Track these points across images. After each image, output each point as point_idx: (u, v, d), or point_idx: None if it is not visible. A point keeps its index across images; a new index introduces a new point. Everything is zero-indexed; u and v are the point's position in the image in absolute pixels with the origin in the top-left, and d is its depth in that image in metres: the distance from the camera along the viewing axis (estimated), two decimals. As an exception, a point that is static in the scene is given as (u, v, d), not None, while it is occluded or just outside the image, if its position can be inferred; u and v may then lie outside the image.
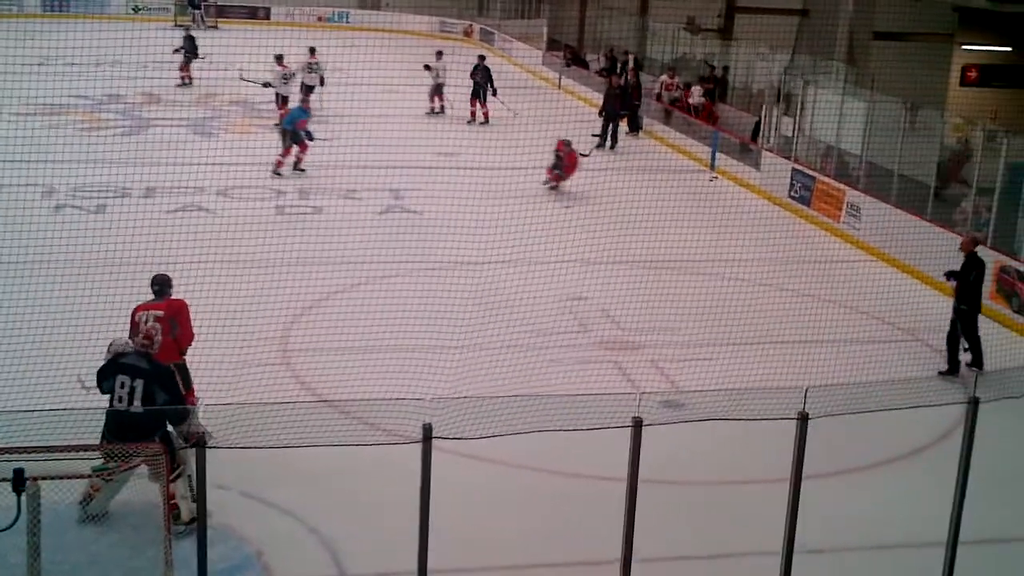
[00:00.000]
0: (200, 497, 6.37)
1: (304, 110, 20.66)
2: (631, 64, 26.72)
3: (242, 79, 24.03)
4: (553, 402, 8.26)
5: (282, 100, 23.84)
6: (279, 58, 24.19)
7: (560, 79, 31.50)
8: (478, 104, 25.61)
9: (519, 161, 18.43)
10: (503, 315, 12.32)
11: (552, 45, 34.94)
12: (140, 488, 8.16)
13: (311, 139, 20.09)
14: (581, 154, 19.46)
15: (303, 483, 9.20)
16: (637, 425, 7.18)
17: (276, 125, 21.76)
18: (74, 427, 8.46)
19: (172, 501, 8.06)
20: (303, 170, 20.04)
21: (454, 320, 12.10)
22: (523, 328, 12.34)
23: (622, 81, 25.19)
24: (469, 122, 25.24)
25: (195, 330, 10.00)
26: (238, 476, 8.71)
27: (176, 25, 38.46)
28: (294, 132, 19.95)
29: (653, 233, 15.04)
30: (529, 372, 10.88)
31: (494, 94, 25.41)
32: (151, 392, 8.31)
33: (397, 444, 7.23)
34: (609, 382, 11.34)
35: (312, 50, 25.43)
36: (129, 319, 9.69)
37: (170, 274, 10.61)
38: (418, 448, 6.93)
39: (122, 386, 8.37)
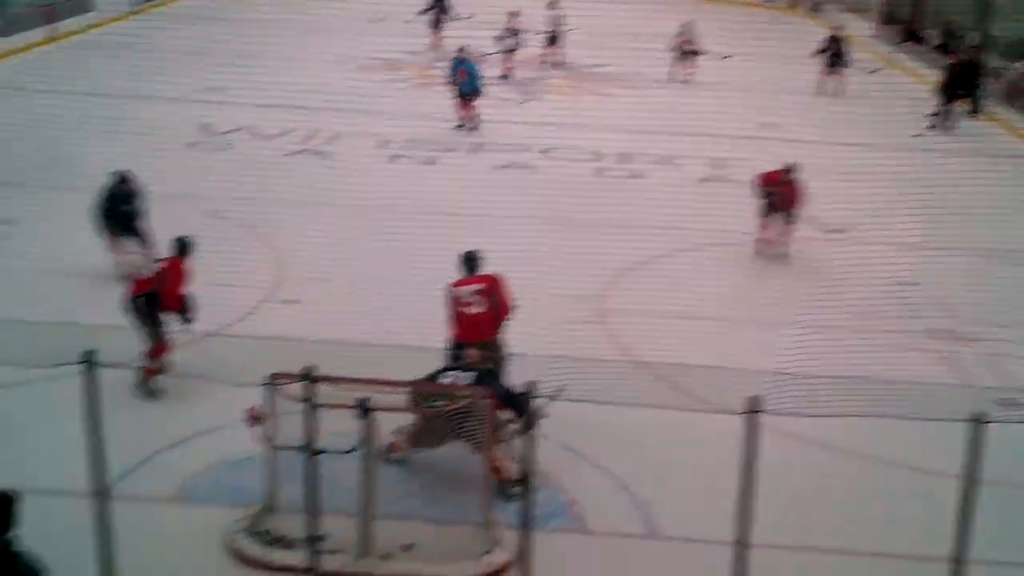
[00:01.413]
0: (528, 445, 6.50)
1: (460, 60, 19.62)
2: (972, 42, 25.11)
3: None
4: (881, 388, 7.96)
5: (509, 53, 24.00)
6: (513, 14, 24.25)
7: (891, 55, 30.09)
8: (831, 77, 24.81)
9: (844, 136, 17.84)
10: (828, 294, 11.94)
11: (886, 19, 33.37)
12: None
13: (477, 95, 19.53)
14: (915, 135, 18.43)
15: (617, 442, 9.28)
16: (978, 421, 6.78)
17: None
18: (409, 365, 8.90)
19: (495, 465, 8.26)
20: (461, 126, 19.65)
21: (774, 295, 11.86)
22: (849, 309, 11.90)
23: (963, 59, 23.76)
24: (818, 94, 24.56)
25: (515, 286, 10.21)
26: (555, 428, 8.83)
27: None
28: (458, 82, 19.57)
29: (992, 221, 14.16)
30: (853, 354, 10.49)
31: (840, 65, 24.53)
32: (482, 382, 8.50)
33: (720, 413, 7.14)
34: (938, 373, 10.78)
35: (552, 3, 25.61)
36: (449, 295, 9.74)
37: (493, 227, 10.86)
38: (734, 420, 6.84)
39: (447, 378, 8.64)
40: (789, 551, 7.98)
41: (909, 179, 16.33)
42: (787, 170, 13.82)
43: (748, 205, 13.97)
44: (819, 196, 13.86)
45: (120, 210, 12.12)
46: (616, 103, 22.20)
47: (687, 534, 8.11)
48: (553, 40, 25.79)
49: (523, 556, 6.93)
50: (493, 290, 9.67)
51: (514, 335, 10.12)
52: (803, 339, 10.84)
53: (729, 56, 23.51)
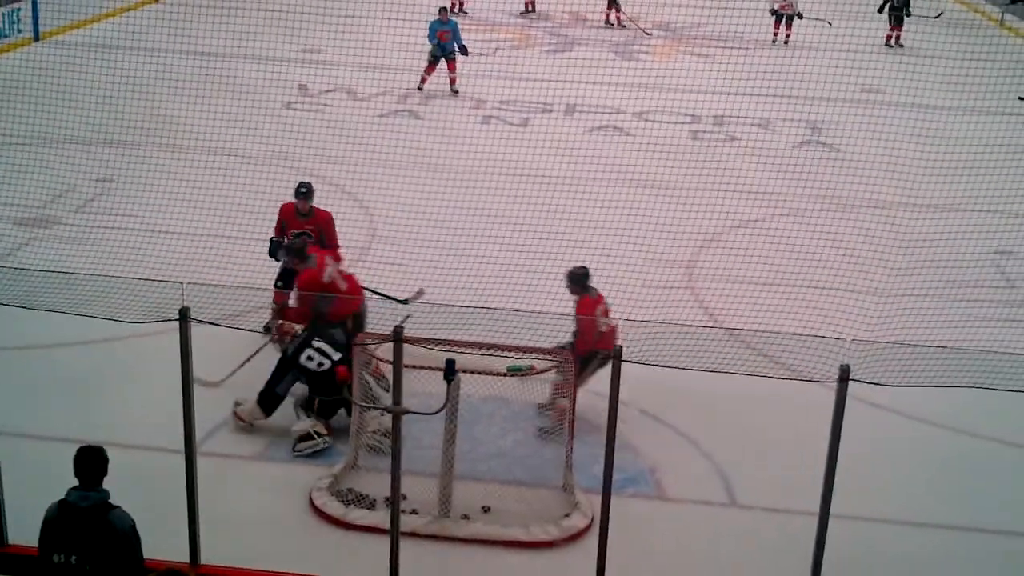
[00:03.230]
0: (612, 408, 6.49)
1: (443, 21, 19.58)
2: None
3: None
4: (976, 359, 7.74)
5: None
6: None
7: (1003, 16, 29.09)
8: (895, 30, 24.38)
9: (947, 100, 17.32)
10: (922, 262, 11.66)
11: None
12: (549, 393, 8.48)
13: (464, 53, 19.50)
14: (1020, 98, 17.78)
15: (699, 409, 9.22)
16: (1075, 395, 6.57)
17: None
18: (497, 327, 8.91)
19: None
20: (456, 91, 19.51)
21: (868, 262, 11.61)
22: (942, 278, 11.62)
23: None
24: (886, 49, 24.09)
25: (606, 246, 10.13)
26: (636, 393, 8.81)
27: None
28: (436, 45, 19.44)
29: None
30: (947, 324, 10.24)
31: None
32: None
33: (809, 381, 7.04)
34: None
35: None
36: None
37: (585, 190, 10.58)
38: (821, 388, 6.73)
39: None
40: (873, 523, 7.87)
41: (1012, 145, 15.85)
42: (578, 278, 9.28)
43: (845, 171, 13.63)
44: (918, 162, 13.50)
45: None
46: (713, 65, 21.85)
47: (769, 504, 8.04)
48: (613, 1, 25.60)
49: (601, 521, 6.93)
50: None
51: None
52: (897, 307, 10.64)
53: (829, 22, 22.94)
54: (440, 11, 19.85)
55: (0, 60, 20.00)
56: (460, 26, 20.09)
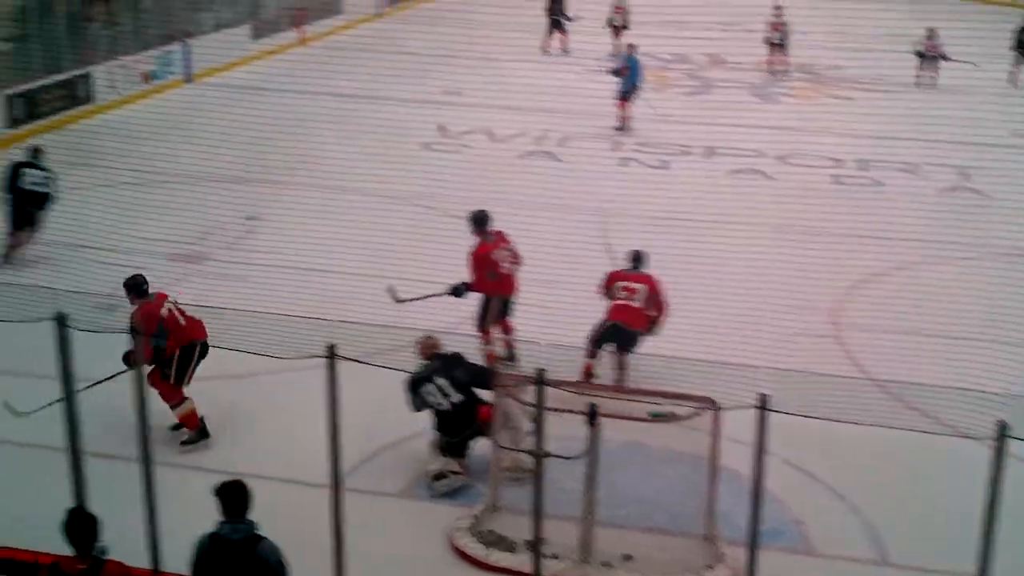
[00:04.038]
0: (758, 457, 6.35)
1: (628, 56, 19.68)
2: None
3: None
4: None
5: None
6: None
7: None
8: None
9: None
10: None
11: None
12: (690, 440, 8.33)
13: (633, 91, 19.39)
14: None
15: (846, 461, 8.96)
16: None
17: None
18: (636, 372, 8.83)
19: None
20: (619, 127, 19.35)
21: (1021, 314, 11.18)
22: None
23: None
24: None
25: (747, 292, 10.06)
26: (781, 443, 8.59)
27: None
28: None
29: None
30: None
31: None
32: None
33: (966, 438, 6.77)
34: None
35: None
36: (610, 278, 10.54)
37: (725, 234, 10.59)
38: (975, 444, 6.46)
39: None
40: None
41: None
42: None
43: (996, 218, 13.17)
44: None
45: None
46: (857, 107, 21.46)
47: (923, 563, 7.74)
48: (779, 45, 25.22)
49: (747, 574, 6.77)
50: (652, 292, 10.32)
51: (743, 346, 9.92)
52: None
53: (976, 64, 22.30)
54: (628, 46, 20.30)
55: (153, 101, 20.81)
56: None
